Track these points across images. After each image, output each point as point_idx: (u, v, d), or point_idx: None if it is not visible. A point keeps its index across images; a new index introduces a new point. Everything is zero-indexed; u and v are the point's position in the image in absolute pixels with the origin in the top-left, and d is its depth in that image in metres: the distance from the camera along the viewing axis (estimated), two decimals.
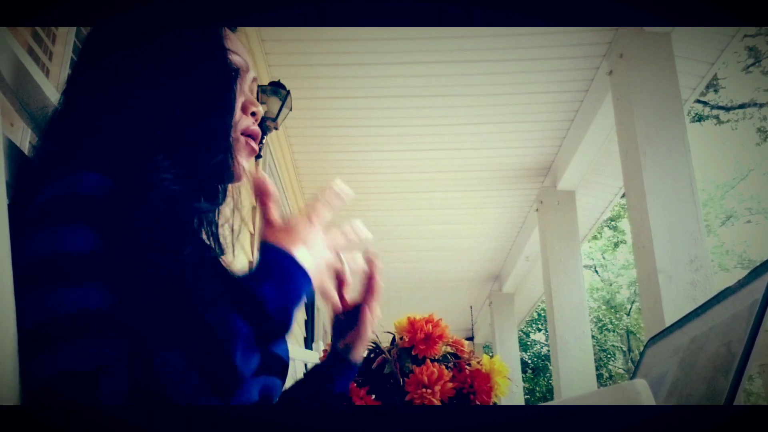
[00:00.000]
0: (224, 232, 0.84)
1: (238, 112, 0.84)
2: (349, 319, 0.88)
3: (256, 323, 0.62)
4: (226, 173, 0.83)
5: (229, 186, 0.86)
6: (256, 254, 0.72)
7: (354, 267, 0.82)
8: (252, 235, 3.52)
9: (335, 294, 0.81)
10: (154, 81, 0.77)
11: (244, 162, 0.85)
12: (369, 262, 0.85)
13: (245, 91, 0.87)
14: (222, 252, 0.82)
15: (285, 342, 0.83)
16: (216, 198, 0.82)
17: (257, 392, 0.74)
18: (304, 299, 0.69)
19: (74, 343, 0.59)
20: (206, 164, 0.78)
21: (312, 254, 0.71)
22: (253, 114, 0.87)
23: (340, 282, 0.85)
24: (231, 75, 0.82)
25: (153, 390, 0.57)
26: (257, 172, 0.75)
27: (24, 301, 0.60)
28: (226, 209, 0.86)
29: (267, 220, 0.74)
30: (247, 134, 0.85)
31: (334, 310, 0.83)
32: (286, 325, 0.66)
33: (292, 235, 0.71)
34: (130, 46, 0.79)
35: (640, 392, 0.54)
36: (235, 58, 0.84)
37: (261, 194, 0.75)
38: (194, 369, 0.58)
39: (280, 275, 0.67)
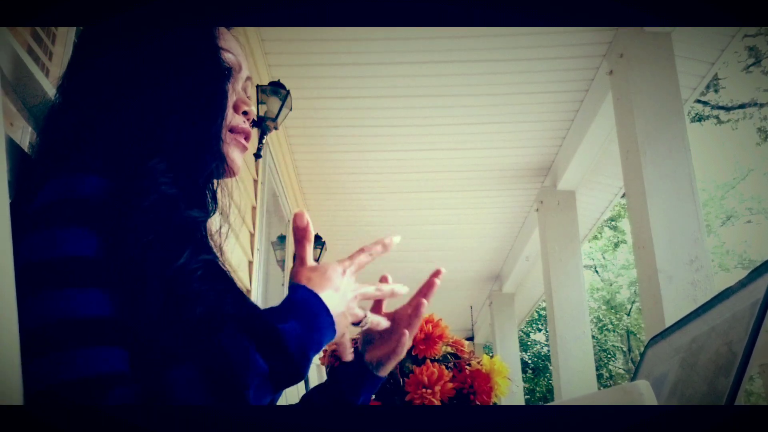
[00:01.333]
0: (213, 237, 0.83)
1: (229, 112, 0.83)
2: (384, 336, 0.86)
3: (273, 361, 0.61)
4: (217, 173, 0.83)
5: (218, 191, 0.86)
6: (284, 290, 0.71)
7: (374, 323, 0.81)
8: (252, 234, 3.52)
9: (348, 346, 0.80)
10: (147, 82, 0.76)
11: (237, 158, 0.85)
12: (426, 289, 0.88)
13: (237, 90, 0.86)
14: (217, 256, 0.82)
15: None
16: (206, 206, 0.81)
17: None
18: (324, 347, 0.68)
19: (75, 349, 0.58)
20: (197, 168, 0.78)
21: (339, 300, 0.71)
22: (245, 113, 0.86)
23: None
24: (222, 76, 0.81)
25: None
26: (300, 212, 0.75)
27: (23, 304, 0.60)
28: (214, 217, 0.85)
29: (301, 260, 0.74)
30: (237, 131, 0.84)
31: (342, 357, 0.82)
32: (302, 368, 0.64)
33: (323, 278, 0.71)
34: (126, 46, 0.78)
35: (643, 393, 0.54)
36: (227, 57, 0.83)
37: (300, 235, 0.75)
38: (206, 391, 0.58)
39: (306, 316, 0.66)
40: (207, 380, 0.58)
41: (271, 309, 0.67)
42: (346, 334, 0.76)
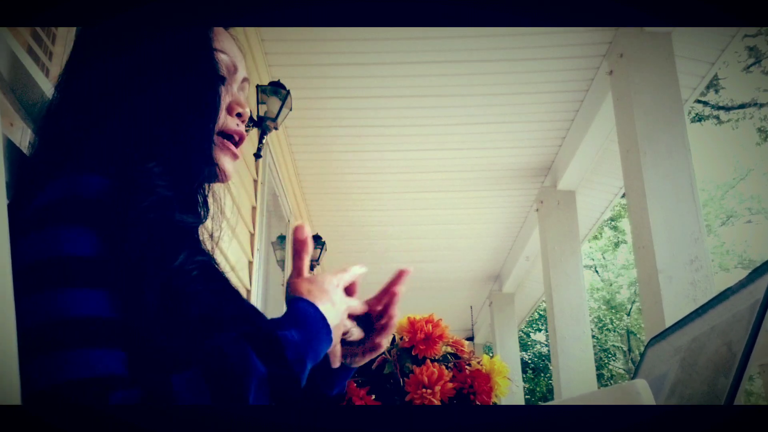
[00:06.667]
0: (205, 240, 0.83)
1: (222, 114, 0.82)
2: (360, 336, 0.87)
3: (271, 365, 0.63)
4: (209, 177, 0.83)
5: (210, 193, 0.85)
6: (284, 305, 0.74)
7: (356, 334, 0.84)
8: (252, 235, 3.52)
9: (338, 354, 0.83)
10: (142, 84, 0.76)
11: (226, 165, 0.84)
12: (392, 290, 0.86)
13: (232, 92, 0.85)
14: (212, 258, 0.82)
15: None
16: (198, 211, 0.81)
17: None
18: (319, 359, 0.70)
19: (74, 350, 0.58)
20: (190, 172, 0.78)
21: (335, 314, 0.74)
22: (239, 115, 0.85)
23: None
24: (214, 78, 0.80)
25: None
26: (300, 226, 0.78)
27: (24, 303, 0.60)
28: (207, 221, 0.85)
29: (298, 271, 0.77)
30: (227, 134, 0.83)
31: (332, 363, 0.84)
32: (299, 375, 0.66)
33: (321, 291, 0.74)
34: (123, 47, 0.78)
35: (640, 392, 0.54)
36: (221, 58, 0.82)
37: (300, 248, 0.77)
38: (208, 394, 0.59)
39: (306, 325, 0.68)
40: (209, 384, 0.59)
41: (273, 319, 0.70)
42: (337, 344, 0.79)
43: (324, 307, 0.72)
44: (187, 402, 0.58)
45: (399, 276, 0.86)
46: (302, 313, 0.70)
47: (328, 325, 0.71)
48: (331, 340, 0.72)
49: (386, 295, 0.86)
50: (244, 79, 0.88)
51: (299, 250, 0.78)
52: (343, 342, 0.87)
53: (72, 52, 0.82)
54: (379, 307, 0.86)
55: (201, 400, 0.59)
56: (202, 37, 0.81)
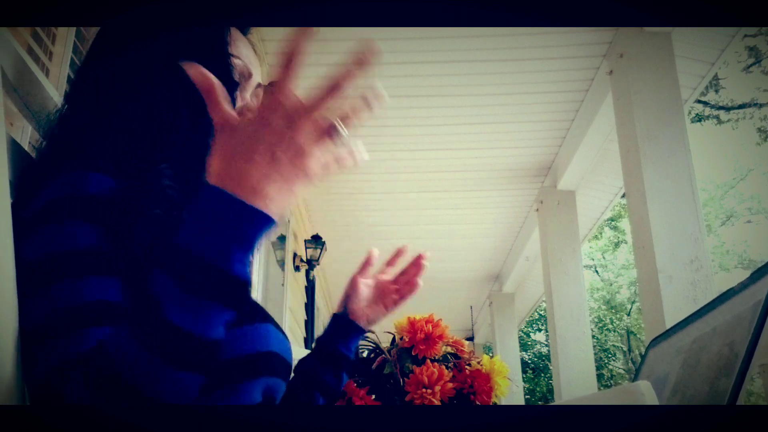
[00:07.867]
0: None
1: None
2: (374, 297, 1.05)
3: (182, 273, 0.54)
4: None
5: None
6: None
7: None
8: None
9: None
10: (155, 85, 0.77)
11: None
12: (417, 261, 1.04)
13: (245, 98, 0.86)
14: None
15: (287, 341, 0.83)
16: None
17: (260, 393, 0.74)
18: (261, 239, 0.58)
19: (88, 327, 0.58)
20: (198, 175, 0.78)
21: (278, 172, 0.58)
22: None
23: (365, 265, 1.08)
24: (229, 83, 0.80)
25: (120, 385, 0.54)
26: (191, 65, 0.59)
27: (30, 300, 0.60)
28: None
29: (221, 122, 0.60)
30: None
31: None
32: (229, 269, 0.56)
33: (247, 140, 0.58)
34: (133, 47, 0.78)
35: (644, 394, 0.54)
36: (236, 63, 0.83)
37: (204, 91, 0.60)
38: (144, 349, 0.53)
39: (207, 216, 0.56)
40: (138, 332, 0.54)
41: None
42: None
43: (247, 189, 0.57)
44: (125, 370, 0.53)
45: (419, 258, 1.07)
46: (203, 203, 0.56)
47: (238, 202, 0.55)
48: (254, 216, 0.56)
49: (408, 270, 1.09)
50: (259, 85, 0.88)
51: (206, 95, 0.60)
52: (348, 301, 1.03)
53: (86, 54, 0.82)
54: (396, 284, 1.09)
55: (140, 357, 0.53)
56: (218, 41, 0.81)
